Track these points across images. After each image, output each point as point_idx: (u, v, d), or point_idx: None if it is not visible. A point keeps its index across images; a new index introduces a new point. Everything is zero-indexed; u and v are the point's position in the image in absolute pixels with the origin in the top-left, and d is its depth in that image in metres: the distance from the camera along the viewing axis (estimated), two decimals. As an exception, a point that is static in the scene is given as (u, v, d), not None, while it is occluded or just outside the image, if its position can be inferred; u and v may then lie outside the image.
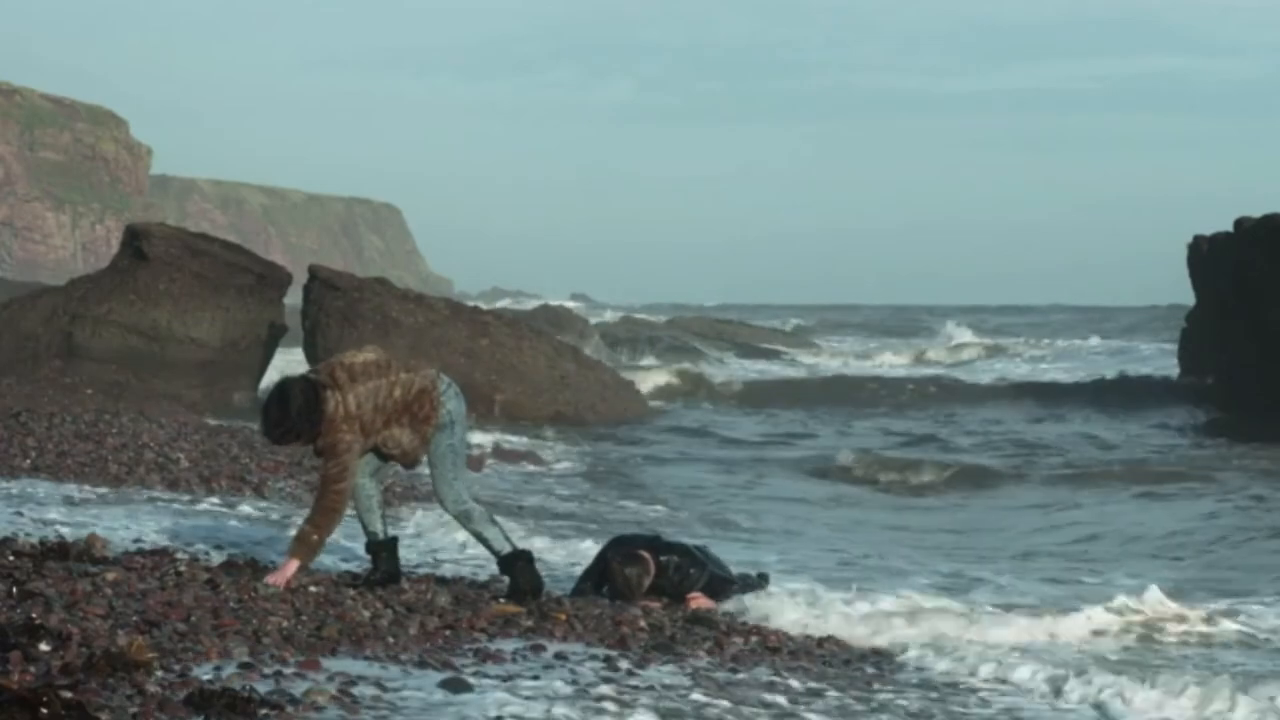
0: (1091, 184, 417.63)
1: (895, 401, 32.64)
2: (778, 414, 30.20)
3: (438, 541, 11.80)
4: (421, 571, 9.97)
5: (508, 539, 9.15)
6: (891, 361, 50.79)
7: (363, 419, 8.60)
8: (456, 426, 8.89)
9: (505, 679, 7.06)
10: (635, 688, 7.21)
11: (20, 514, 11.15)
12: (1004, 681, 8.07)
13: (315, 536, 8.65)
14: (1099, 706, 7.63)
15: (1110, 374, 36.25)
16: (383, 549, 9.04)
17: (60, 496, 12.41)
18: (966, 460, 21.72)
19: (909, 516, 16.72)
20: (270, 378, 29.31)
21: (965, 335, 61.03)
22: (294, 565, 8.59)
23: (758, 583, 10.24)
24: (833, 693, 7.55)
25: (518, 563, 9.08)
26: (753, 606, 9.47)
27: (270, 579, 8.50)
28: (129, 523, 11.29)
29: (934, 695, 7.72)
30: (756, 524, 15.09)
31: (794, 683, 7.65)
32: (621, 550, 9.69)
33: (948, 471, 19.85)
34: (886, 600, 9.81)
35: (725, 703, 7.09)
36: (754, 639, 8.65)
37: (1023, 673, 8.14)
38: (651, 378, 33.81)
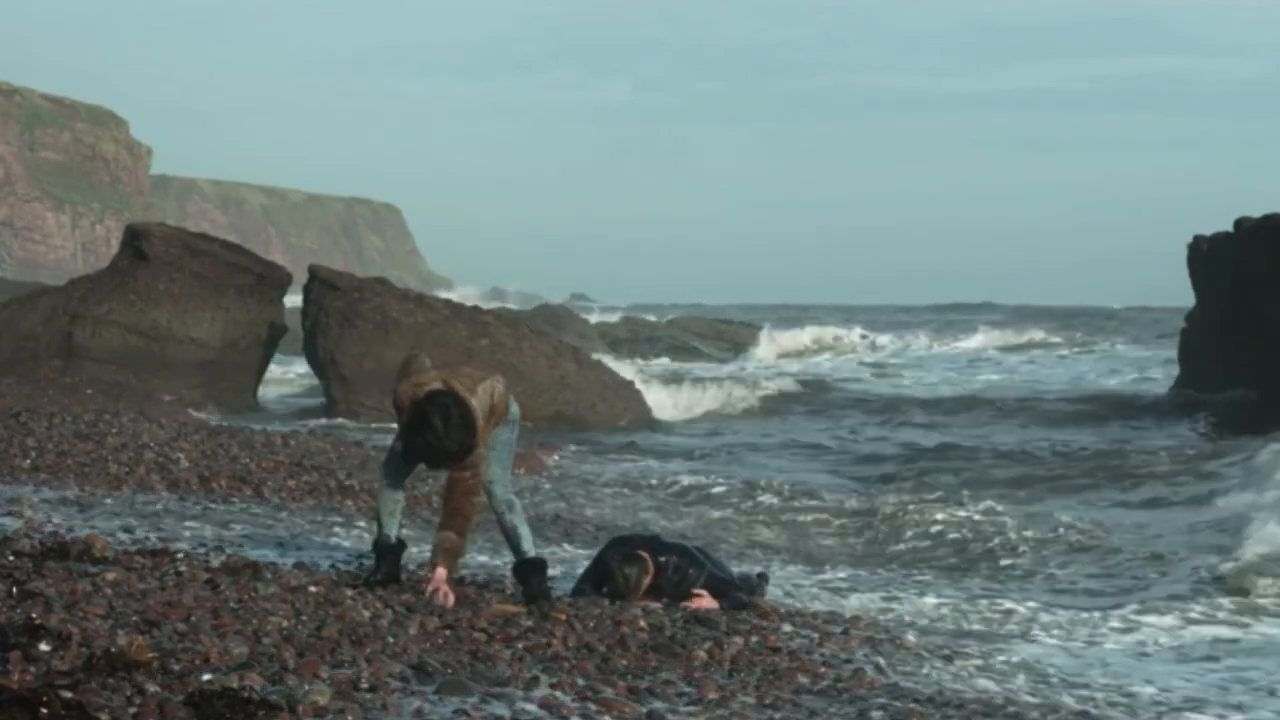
0: (1091, 184, 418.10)
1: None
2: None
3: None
4: (422, 572, 9.96)
5: (532, 544, 9.20)
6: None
7: (483, 425, 8.79)
8: (514, 424, 9.13)
9: (504, 681, 7.06)
10: (635, 689, 7.22)
11: (20, 514, 11.14)
12: None
13: (459, 543, 8.79)
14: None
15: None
16: (390, 552, 9.08)
17: (60, 497, 12.40)
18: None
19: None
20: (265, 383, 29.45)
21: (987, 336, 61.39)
22: (444, 573, 8.75)
23: (758, 584, 10.25)
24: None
25: (537, 570, 9.11)
26: None
27: (438, 592, 8.63)
28: (129, 523, 11.28)
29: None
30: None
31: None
32: (621, 550, 9.70)
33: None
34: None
35: (722, 711, 7.09)
36: (754, 639, 8.65)
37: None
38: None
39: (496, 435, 9.03)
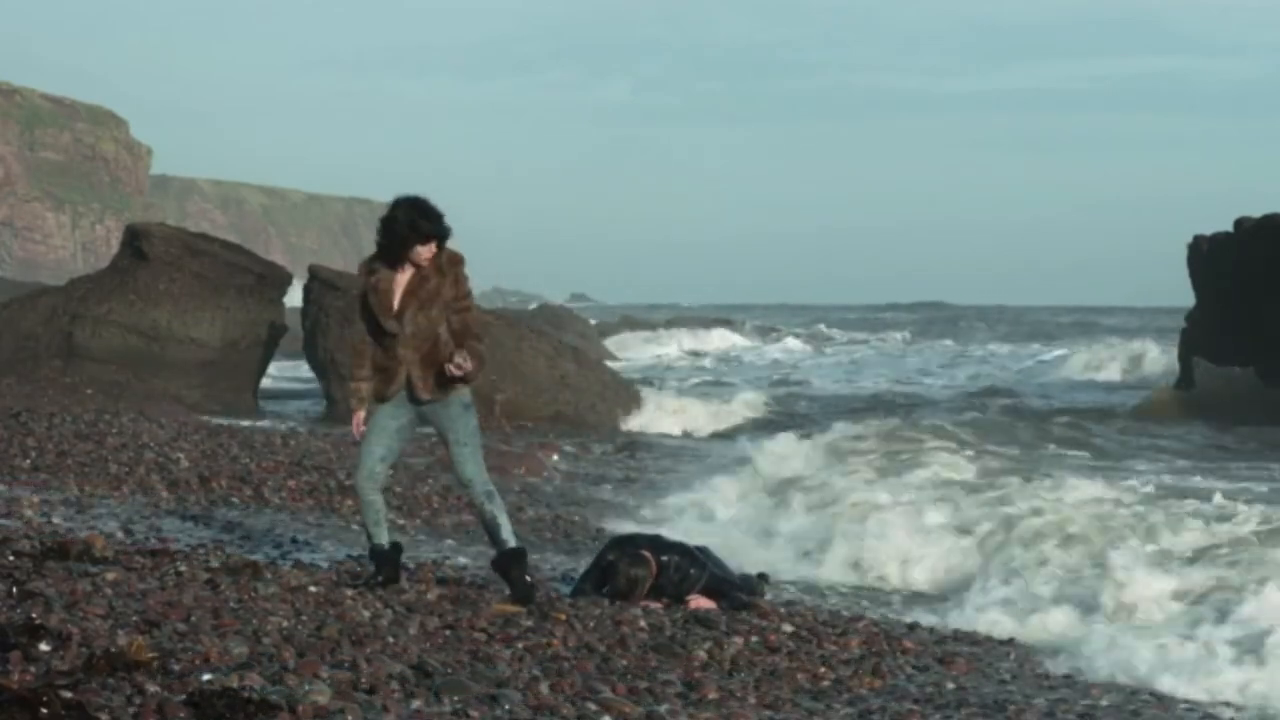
0: (1091, 184, 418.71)
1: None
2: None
3: (441, 546, 11.80)
4: (422, 571, 9.96)
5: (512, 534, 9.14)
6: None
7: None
8: (472, 408, 9.04)
9: (504, 681, 7.06)
10: (635, 689, 7.22)
11: (19, 514, 11.14)
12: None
13: (481, 350, 8.97)
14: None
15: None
16: (387, 558, 9.09)
17: (60, 497, 12.40)
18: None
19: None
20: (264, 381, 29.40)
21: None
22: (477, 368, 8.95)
23: (758, 584, 10.25)
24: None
25: (518, 560, 9.07)
26: None
27: (459, 366, 8.83)
28: (129, 523, 11.28)
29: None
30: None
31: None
32: (626, 551, 9.69)
33: None
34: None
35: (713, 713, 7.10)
36: (754, 639, 8.65)
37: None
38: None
39: (465, 421, 8.96)
